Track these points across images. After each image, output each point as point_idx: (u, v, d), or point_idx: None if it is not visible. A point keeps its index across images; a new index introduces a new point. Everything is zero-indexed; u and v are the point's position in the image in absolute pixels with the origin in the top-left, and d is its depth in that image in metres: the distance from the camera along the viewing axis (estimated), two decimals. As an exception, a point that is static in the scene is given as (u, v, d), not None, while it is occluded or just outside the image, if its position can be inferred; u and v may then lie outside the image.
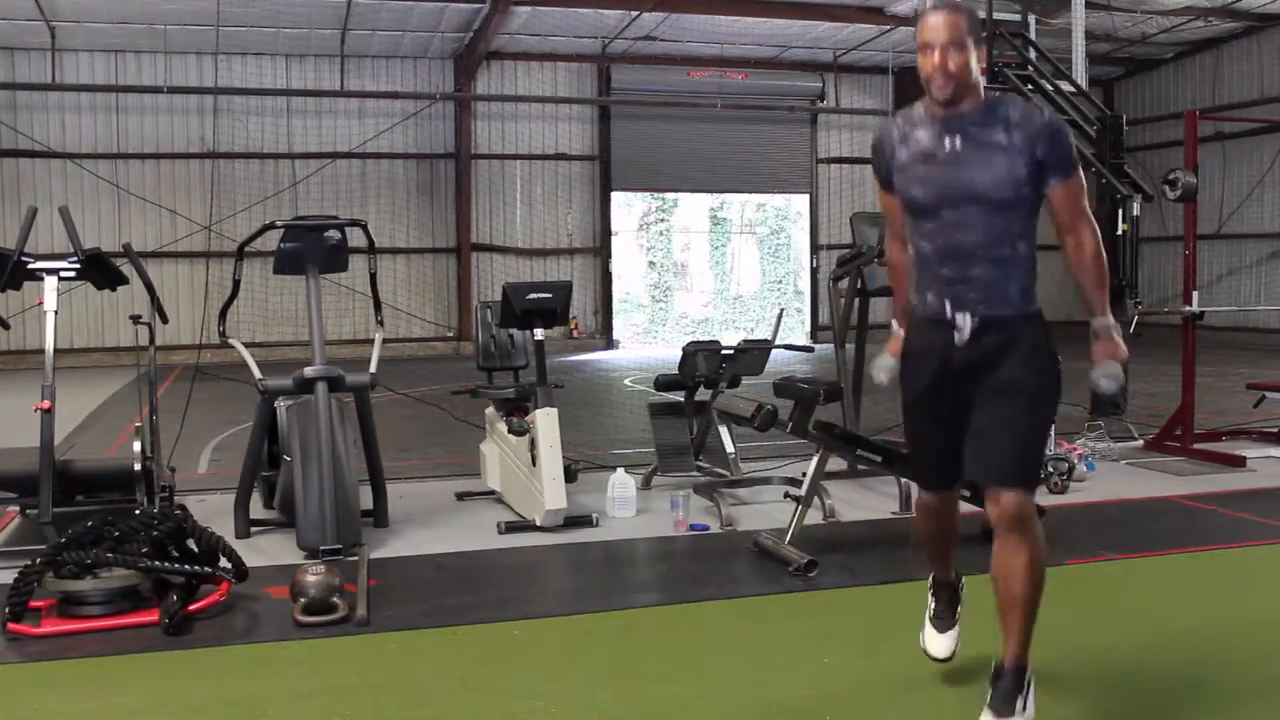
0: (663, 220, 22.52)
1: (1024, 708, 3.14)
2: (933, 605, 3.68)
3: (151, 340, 6.23)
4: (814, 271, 22.02)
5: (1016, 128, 3.18)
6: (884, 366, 3.52)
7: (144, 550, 4.49)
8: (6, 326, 6.07)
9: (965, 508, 4.00)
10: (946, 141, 3.22)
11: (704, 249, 23.02)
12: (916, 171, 3.28)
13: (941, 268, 3.27)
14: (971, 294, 3.24)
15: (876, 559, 5.40)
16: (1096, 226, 3.27)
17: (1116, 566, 5.22)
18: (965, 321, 3.24)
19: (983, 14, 9.67)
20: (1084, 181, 3.30)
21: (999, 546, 3.20)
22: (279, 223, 6.17)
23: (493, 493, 6.64)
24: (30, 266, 5.83)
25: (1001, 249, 3.23)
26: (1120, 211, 8.60)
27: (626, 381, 14.95)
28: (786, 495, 5.94)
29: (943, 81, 3.16)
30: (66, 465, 5.95)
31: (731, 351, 7.10)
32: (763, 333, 18.67)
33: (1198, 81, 21.49)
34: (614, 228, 21.35)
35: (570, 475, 6.48)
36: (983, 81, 3.27)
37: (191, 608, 4.43)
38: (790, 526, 5.39)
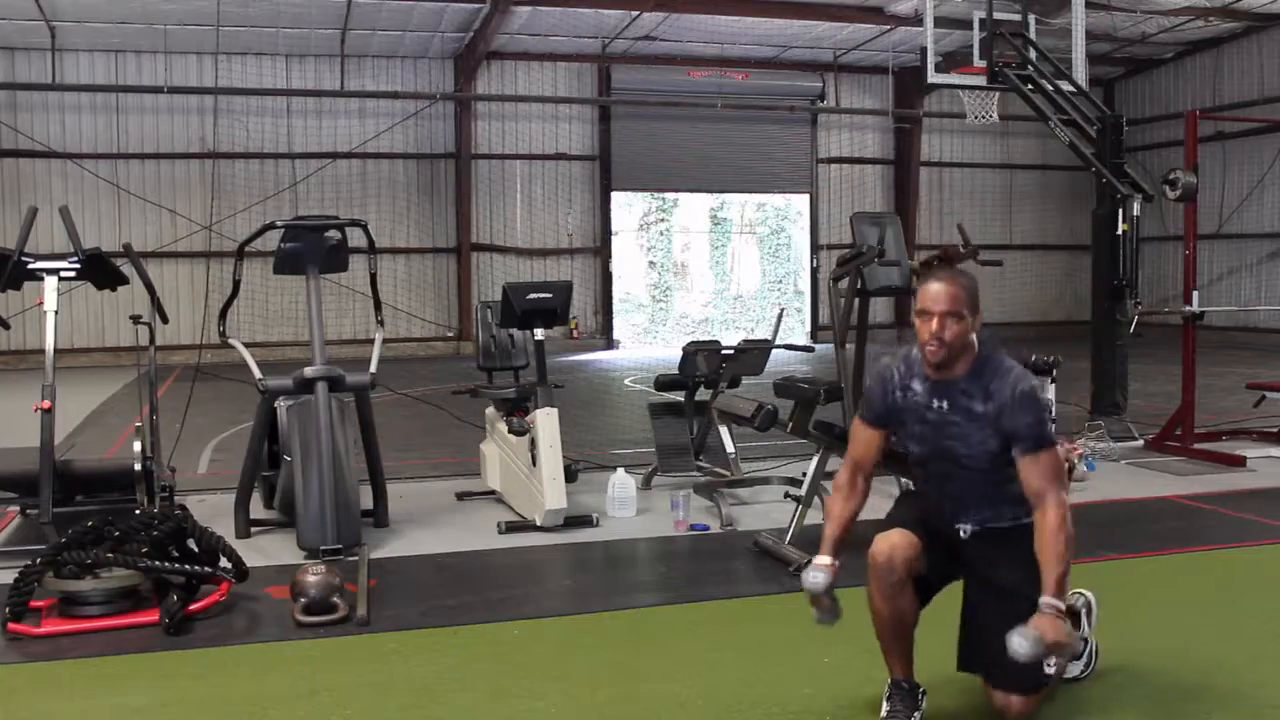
0: (663, 220, 22.52)
1: None
2: (885, 708, 3.39)
3: (151, 340, 6.23)
4: (814, 271, 22.02)
5: (991, 398, 3.26)
6: (816, 573, 3.38)
7: (144, 550, 4.49)
8: (7, 326, 6.07)
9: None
10: (935, 403, 3.35)
11: (704, 249, 23.02)
12: (913, 428, 3.42)
13: (939, 494, 3.46)
14: (969, 510, 3.41)
15: (876, 559, 5.39)
16: (1066, 504, 3.20)
17: (1116, 566, 5.22)
18: (966, 530, 3.41)
19: (982, 14, 9.69)
20: (1059, 456, 3.30)
21: None
22: (279, 223, 6.17)
23: (493, 493, 6.65)
24: (30, 266, 5.83)
25: (991, 487, 3.36)
26: (1120, 211, 8.62)
27: (626, 381, 14.95)
28: (786, 495, 5.94)
29: (936, 347, 3.25)
30: (66, 465, 5.96)
31: (731, 351, 7.10)
32: (763, 332, 18.69)
33: (1198, 81, 21.49)
34: (614, 228, 21.35)
35: (570, 475, 6.49)
36: (976, 344, 3.31)
37: (192, 608, 4.43)
38: (790, 526, 5.39)
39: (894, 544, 3.36)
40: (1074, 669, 3.39)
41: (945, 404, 3.32)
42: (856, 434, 3.53)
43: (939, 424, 3.33)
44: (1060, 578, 3.10)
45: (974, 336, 3.29)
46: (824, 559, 3.43)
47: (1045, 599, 3.09)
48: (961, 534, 3.41)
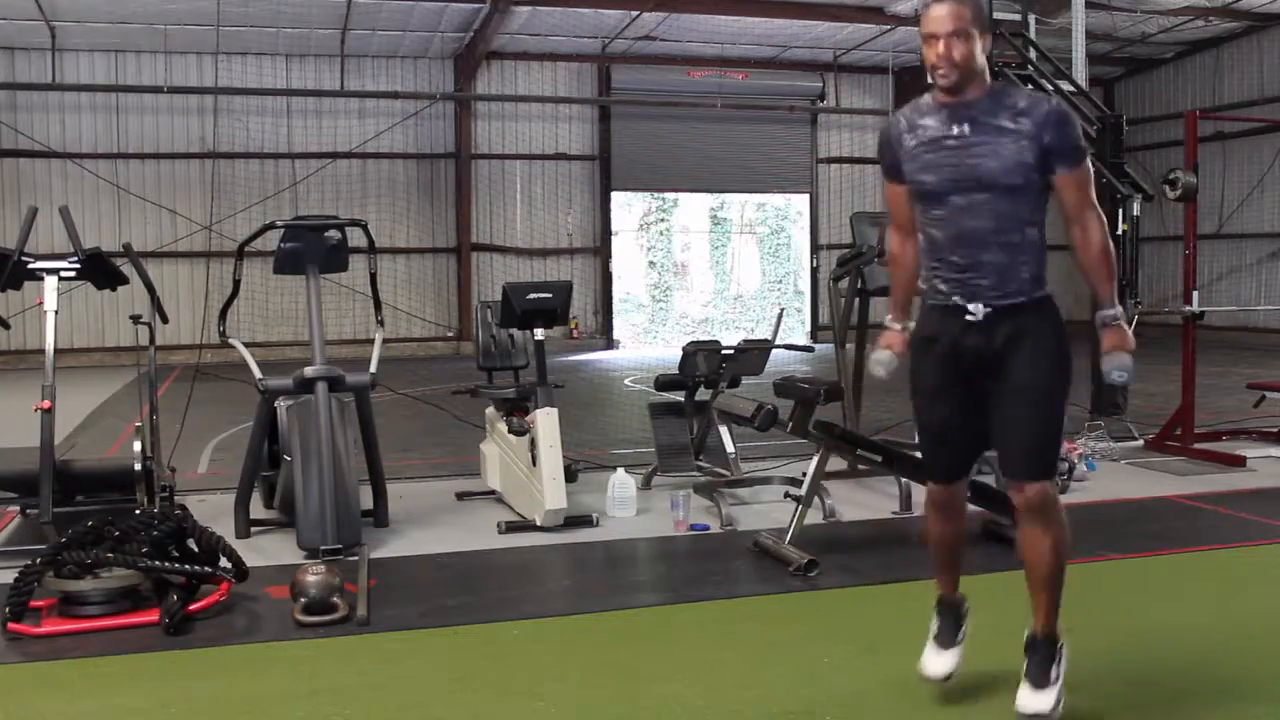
0: (663, 220, 22.52)
1: (1058, 675, 3.33)
2: (935, 624, 3.63)
3: (151, 340, 6.23)
4: (814, 271, 22.01)
5: (1024, 114, 3.24)
6: (881, 361, 3.55)
7: (144, 550, 4.49)
8: (6, 326, 6.07)
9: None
10: (955, 128, 3.28)
11: (704, 249, 23.01)
12: (925, 158, 3.33)
13: (952, 254, 3.33)
14: (983, 281, 3.30)
15: (876, 559, 5.40)
16: (1104, 217, 3.33)
17: (1116, 566, 5.22)
18: (978, 310, 3.31)
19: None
20: (1091, 171, 3.34)
21: (1024, 532, 3.38)
22: (279, 223, 6.17)
23: (493, 493, 6.64)
24: (30, 266, 5.83)
25: (1011, 234, 3.29)
26: (1120, 211, 8.61)
27: (626, 381, 14.95)
28: (786, 495, 5.94)
29: (946, 69, 3.22)
30: (66, 465, 5.95)
31: (731, 351, 7.10)
32: (763, 332, 18.68)
33: (1198, 81, 21.49)
34: (614, 228, 21.34)
35: (570, 475, 6.48)
36: (987, 70, 3.31)
37: (191, 608, 4.43)
38: (790, 526, 5.39)
39: (951, 489, 3.54)
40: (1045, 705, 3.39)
41: (966, 127, 3.26)
42: (891, 197, 3.50)
43: (961, 147, 3.26)
44: (1112, 291, 3.31)
45: (983, 60, 3.26)
46: (893, 329, 3.55)
47: (1105, 312, 3.30)
48: (972, 316, 3.31)
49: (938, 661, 3.57)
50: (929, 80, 3.30)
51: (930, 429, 3.54)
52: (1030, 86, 9.56)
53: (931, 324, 3.43)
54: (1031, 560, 3.36)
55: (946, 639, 3.59)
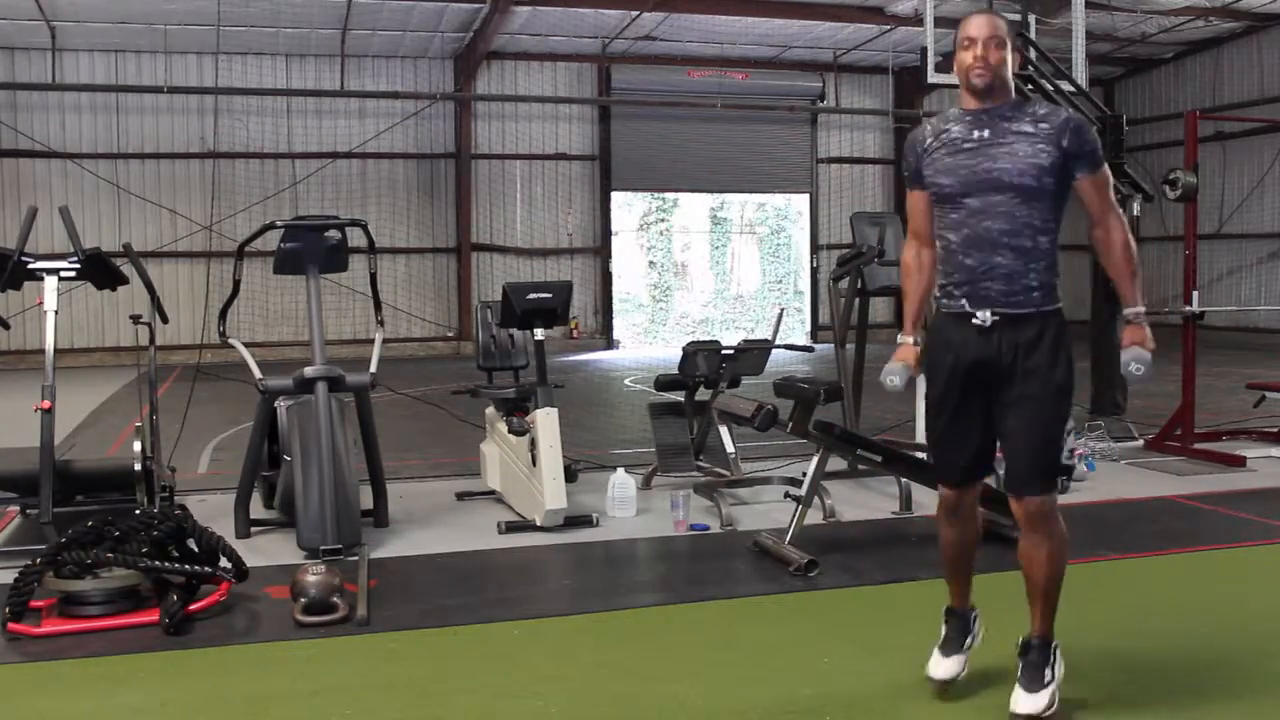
0: (663, 220, 22.53)
1: (1052, 677, 3.41)
2: (943, 631, 3.68)
3: (151, 340, 6.24)
4: (814, 271, 22.03)
5: (1043, 120, 3.39)
6: (894, 372, 3.61)
7: (144, 550, 4.48)
8: (6, 326, 6.07)
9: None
10: (975, 132, 3.42)
11: (704, 249, 23.02)
12: (944, 161, 3.45)
13: (965, 258, 3.41)
14: (992, 286, 3.37)
15: (876, 559, 5.40)
16: (1125, 218, 3.46)
17: (1116, 566, 5.22)
18: (985, 316, 3.38)
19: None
20: (1110, 176, 3.48)
21: (1024, 540, 3.48)
22: (279, 223, 6.17)
23: (493, 493, 6.64)
24: (30, 266, 5.83)
25: (1023, 239, 3.36)
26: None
27: (626, 381, 14.95)
28: (786, 495, 5.94)
29: (982, 69, 3.37)
30: (66, 465, 5.95)
31: (731, 351, 7.10)
32: (763, 332, 18.69)
33: (1198, 81, 21.49)
34: (614, 228, 21.35)
35: (570, 475, 6.48)
36: (1013, 84, 3.47)
37: (191, 608, 4.43)
38: (790, 526, 5.39)
39: (961, 493, 3.58)
40: (1037, 706, 3.42)
41: (987, 131, 3.39)
42: (912, 205, 3.59)
43: (979, 149, 3.39)
44: (1135, 289, 3.43)
45: (1010, 73, 3.42)
46: (906, 343, 3.61)
47: (1130, 310, 3.44)
48: (979, 322, 3.39)
49: (942, 666, 3.60)
50: (963, 84, 3.42)
51: (940, 434, 3.59)
52: (1030, 86, 9.57)
53: (944, 332, 3.51)
54: (1029, 567, 3.47)
55: (952, 646, 3.64)
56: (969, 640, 3.66)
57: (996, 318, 3.37)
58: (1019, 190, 3.33)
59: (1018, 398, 3.37)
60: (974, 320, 3.39)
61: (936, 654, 3.63)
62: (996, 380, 3.41)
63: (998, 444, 3.52)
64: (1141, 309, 3.44)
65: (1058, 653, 3.46)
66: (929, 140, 3.50)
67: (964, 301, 3.42)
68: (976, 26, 3.39)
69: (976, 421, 3.49)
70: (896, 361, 3.61)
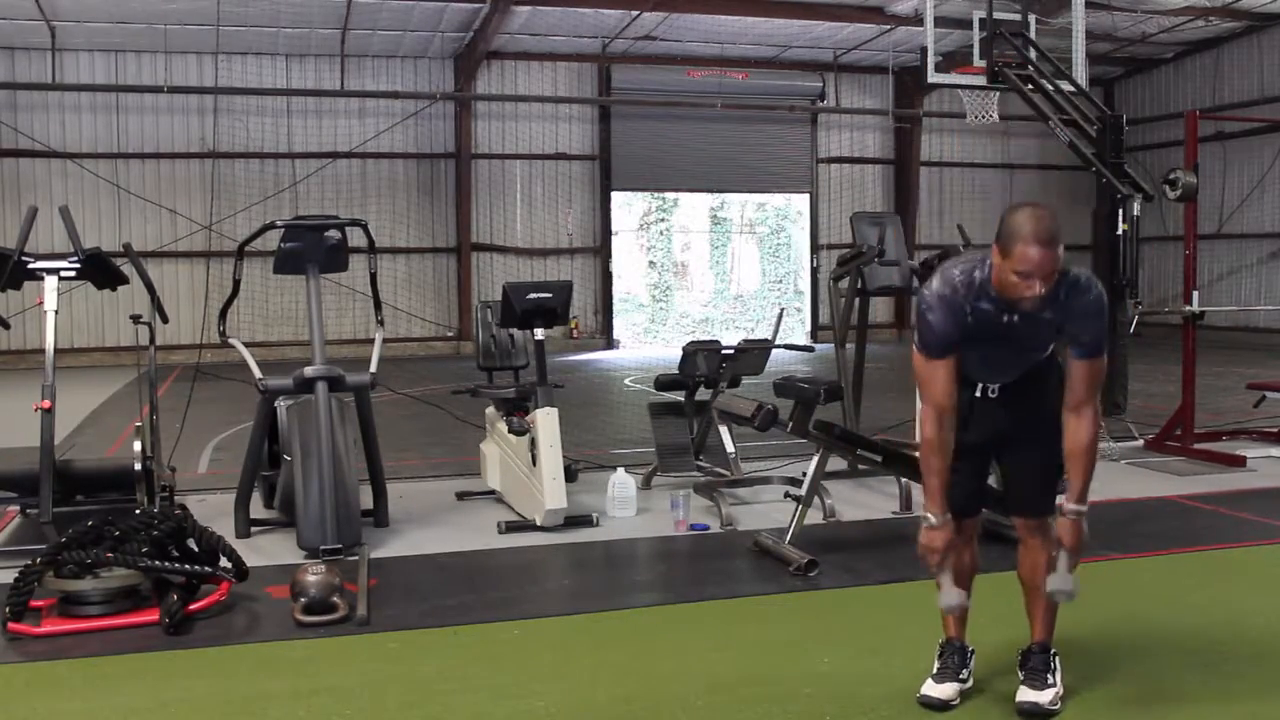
0: (663, 220, 22.52)
1: (1054, 681, 3.49)
2: (936, 665, 3.60)
3: (151, 340, 6.24)
4: (814, 271, 22.01)
5: (1063, 305, 3.32)
6: (952, 605, 3.49)
7: (144, 550, 4.48)
8: (6, 326, 6.07)
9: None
10: (1005, 317, 3.37)
11: (704, 249, 23.02)
12: (973, 329, 3.38)
13: (979, 370, 3.54)
14: (1005, 380, 3.55)
15: (876, 559, 5.40)
16: (1098, 412, 3.44)
17: (1116, 566, 5.22)
18: (994, 389, 3.55)
19: (982, 14, 9.70)
20: (1105, 368, 3.45)
21: (1023, 548, 3.61)
22: (279, 222, 6.17)
23: (493, 493, 6.64)
24: (30, 266, 5.83)
25: (1028, 363, 3.54)
26: (1120, 211, 8.60)
27: (626, 381, 14.95)
28: (786, 495, 5.94)
29: (1033, 302, 3.27)
30: (66, 465, 5.95)
31: (731, 351, 7.10)
32: (763, 332, 18.69)
33: (1198, 81, 21.49)
34: (614, 227, 21.34)
35: (570, 475, 6.48)
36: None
37: (192, 607, 4.44)
38: (790, 526, 5.39)
39: (960, 522, 3.57)
40: (1045, 698, 3.44)
41: (1016, 317, 3.35)
42: (934, 376, 3.40)
43: (1006, 329, 3.38)
44: (1085, 487, 3.40)
45: None
46: (933, 522, 3.42)
47: (1070, 505, 3.39)
48: (988, 394, 3.54)
49: (939, 689, 3.54)
50: (1007, 295, 3.28)
51: (954, 480, 3.56)
52: (1030, 87, 9.57)
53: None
54: (1029, 574, 3.57)
55: (949, 676, 3.57)
56: (965, 674, 3.59)
57: (1003, 387, 3.54)
58: (1037, 350, 3.49)
59: (1017, 442, 3.55)
60: (978, 391, 3.54)
61: (930, 682, 3.55)
62: (1000, 424, 3.55)
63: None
64: (1084, 508, 3.38)
65: (1058, 660, 3.52)
66: (967, 318, 3.35)
67: (976, 382, 3.54)
68: (1038, 263, 3.17)
69: (976, 465, 3.60)
70: (948, 584, 3.46)
